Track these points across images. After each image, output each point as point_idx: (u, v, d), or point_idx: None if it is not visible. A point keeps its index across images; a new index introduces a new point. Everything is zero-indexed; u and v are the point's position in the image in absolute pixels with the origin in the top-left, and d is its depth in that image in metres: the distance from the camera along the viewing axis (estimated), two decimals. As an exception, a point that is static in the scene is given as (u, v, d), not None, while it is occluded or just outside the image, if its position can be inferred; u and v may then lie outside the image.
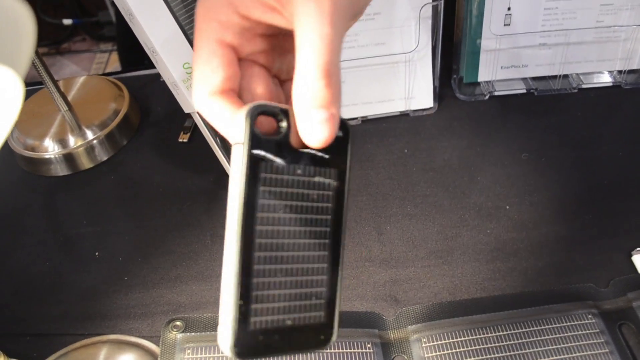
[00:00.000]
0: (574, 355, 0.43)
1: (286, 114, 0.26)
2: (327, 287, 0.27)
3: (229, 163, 0.53)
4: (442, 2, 0.56)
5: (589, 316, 0.45)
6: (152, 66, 0.52)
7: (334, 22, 0.25)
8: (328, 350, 0.43)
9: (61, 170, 0.63)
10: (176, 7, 0.48)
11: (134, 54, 1.09)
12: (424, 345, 0.44)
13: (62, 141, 0.63)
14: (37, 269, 0.53)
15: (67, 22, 2.19)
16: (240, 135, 0.25)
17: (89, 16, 2.24)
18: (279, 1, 0.26)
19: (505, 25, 0.61)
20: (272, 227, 0.26)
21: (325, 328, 0.27)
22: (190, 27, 0.49)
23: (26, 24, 0.22)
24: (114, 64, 2.19)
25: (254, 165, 0.25)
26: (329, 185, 0.28)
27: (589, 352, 0.43)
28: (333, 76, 0.25)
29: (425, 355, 0.43)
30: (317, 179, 0.27)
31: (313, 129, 0.25)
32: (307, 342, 0.27)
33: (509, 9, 0.60)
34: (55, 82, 0.62)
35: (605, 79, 0.67)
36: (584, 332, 0.44)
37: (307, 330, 0.27)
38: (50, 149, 0.62)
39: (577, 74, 0.66)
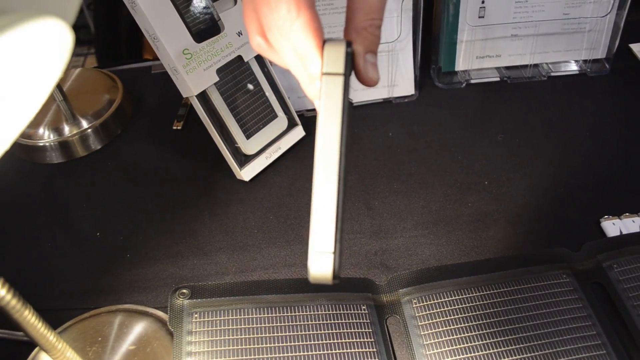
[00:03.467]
0: (551, 310, 0.47)
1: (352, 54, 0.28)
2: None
3: (226, 146, 0.56)
4: (422, -7, 0.60)
5: (564, 276, 0.49)
6: (142, 61, 0.55)
7: None
8: (327, 312, 0.46)
9: (56, 158, 0.64)
10: (176, -4, 0.51)
11: (111, 58, 1.11)
12: (414, 305, 0.47)
13: (57, 129, 0.65)
14: (39, 250, 0.55)
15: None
16: (339, 66, 0.26)
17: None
18: None
19: (479, 17, 0.66)
20: (345, 159, 0.26)
21: (340, 258, 0.29)
22: (189, 15, 0.52)
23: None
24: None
25: (347, 97, 0.26)
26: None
27: (564, 307, 0.47)
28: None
29: (416, 314, 0.47)
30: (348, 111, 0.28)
31: (373, 70, 0.30)
32: (341, 264, 0.28)
33: (483, 2, 0.65)
34: (51, 73, 0.64)
35: (572, 68, 0.72)
36: (559, 289, 0.48)
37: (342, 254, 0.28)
38: (45, 136, 0.64)
39: (546, 63, 0.71)
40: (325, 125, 0.26)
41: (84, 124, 0.65)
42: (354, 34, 0.30)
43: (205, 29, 0.53)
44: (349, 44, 0.28)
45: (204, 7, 0.53)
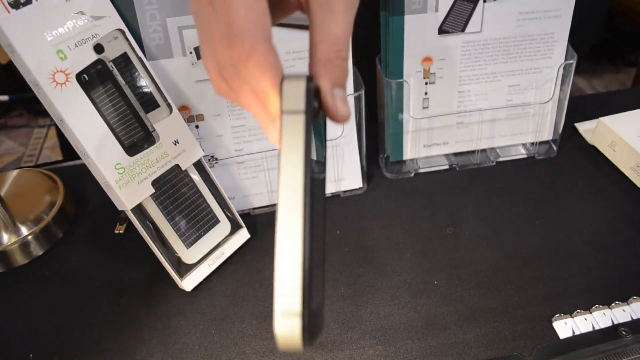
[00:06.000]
0: None
1: (317, 90, 0.26)
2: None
3: (163, 256, 0.54)
4: (363, 92, 0.60)
5: (515, 387, 0.47)
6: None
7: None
8: None
9: (-7, 268, 0.62)
10: (106, 111, 0.50)
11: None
12: None
13: (-6, 238, 0.62)
14: (-34, 376, 0.52)
15: (3, 98, 2.17)
16: (299, 103, 0.23)
17: (27, 91, 2.22)
18: None
19: (424, 108, 0.66)
20: (314, 211, 0.24)
21: (321, 316, 0.26)
22: (122, 129, 0.51)
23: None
24: (53, 139, 2.17)
25: (309, 138, 0.23)
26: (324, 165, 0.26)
27: None
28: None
29: None
30: (320, 157, 0.26)
31: (342, 106, 0.28)
32: (317, 327, 0.25)
33: (426, 93, 0.65)
34: (-14, 180, 0.62)
35: (520, 151, 0.72)
36: (511, 403, 0.46)
37: (318, 315, 0.25)
38: (-18, 247, 0.62)
39: (493, 147, 0.71)
40: (286, 170, 0.23)
41: (24, 231, 0.63)
42: (320, 68, 0.28)
43: (138, 141, 0.52)
44: (309, 79, 0.25)
45: (137, 120, 0.52)
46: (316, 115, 0.26)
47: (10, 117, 2.28)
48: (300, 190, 0.23)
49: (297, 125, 0.23)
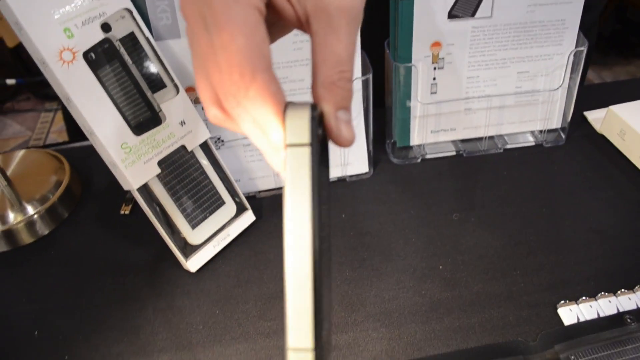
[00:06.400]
0: (505, 412, 0.45)
1: (321, 116, 0.25)
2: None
3: (169, 236, 0.54)
4: (371, 76, 0.59)
5: (519, 372, 0.47)
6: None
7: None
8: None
9: (0, 247, 0.62)
10: (113, 90, 0.50)
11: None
12: (363, 411, 0.45)
13: (1, 217, 0.62)
14: (-28, 352, 0.52)
15: (10, 81, 2.18)
16: (304, 135, 0.23)
17: (34, 75, 2.22)
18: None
19: (432, 93, 0.66)
20: (323, 241, 0.23)
21: (329, 342, 0.26)
22: (128, 109, 0.51)
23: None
24: (59, 123, 2.18)
25: (316, 170, 0.23)
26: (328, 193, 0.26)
27: (519, 409, 0.45)
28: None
29: (365, 422, 0.44)
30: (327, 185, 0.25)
31: (346, 129, 0.27)
32: (327, 353, 0.25)
33: (434, 79, 0.65)
34: (-7, 159, 0.62)
35: (528, 139, 0.71)
36: (514, 388, 0.46)
37: (328, 343, 0.25)
38: (-11, 225, 0.62)
39: (501, 134, 0.71)
40: (293, 205, 0.23)
41: (30, 210, 0.63)
42: (322, 91, 0.27)
43: (144, 121, 0.51)
44: (314, 107, 0.24)
45: (144, 99, 0.51)
46: (322, 141, 0.25)
47: (18, 101, 2.28)
48: (307, 229, 0.22)
49: (303, 159, 0.23)
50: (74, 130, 1.03)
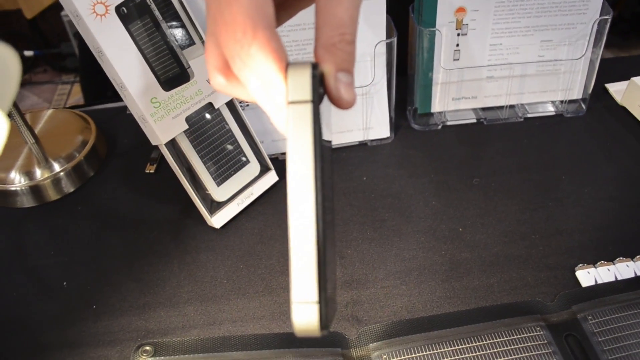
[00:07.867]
0: (523, 366, 0.46)
1: (322, 76, 0.26)
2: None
3: (196, 193, 0.55)
4: (395, 39, 0.60)
5: (537, 328, 0.48)
6: (118, 99, 0.54)
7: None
8: (293, 370, 0.45)
9: (27, 202, 0.63)
10: (144, 44, 0.50)
11: (96, 86, 1.10)
12: (384, 361, 0.46)
13: (28, 173, 0.64)
14: (3, 300, 0.54)
15: (28, 53, 2.19)
16: (306, 92, 0.23)
17: (51, 48, 2.24)
18: None
19: (454, 60, 0.66)
20: (325, 199, 0.24)
21: (334, 301, 0.26)
22: (158, 64, 0.51)
23: (12, 66, 0.24)
24: (77, 96, 2.19)
25: (318, 127, 0.23)
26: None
27: (537, 363, 0.46)
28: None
29: (386, 371, 0.46)
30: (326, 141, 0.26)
31: (346, 91, 0.27)
32: (332, 311, 0.26)
33: (457, 45, 0.65)
34: (22, 115, 0.63)
35: (549, 109, 0.71)
36: (533, 343, 0.47)
37: (332, 301, 0.26)
38: (17, 181, 0.63)
39: (522, 104, 0.71)
40: (295, 161, 0.23)
41: (56, 167, 0.64)
42: (323, 52, 0.28)
43: (174, 77, 0.52)
44: (315, 66, 0.25)
45: (173, 55, 0.52)
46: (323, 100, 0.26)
47: (35, 73, 2.30)
48: (310, 184, 0.22)
49: (304, 116, 0.23)
50: (92, 101, 1.04)
